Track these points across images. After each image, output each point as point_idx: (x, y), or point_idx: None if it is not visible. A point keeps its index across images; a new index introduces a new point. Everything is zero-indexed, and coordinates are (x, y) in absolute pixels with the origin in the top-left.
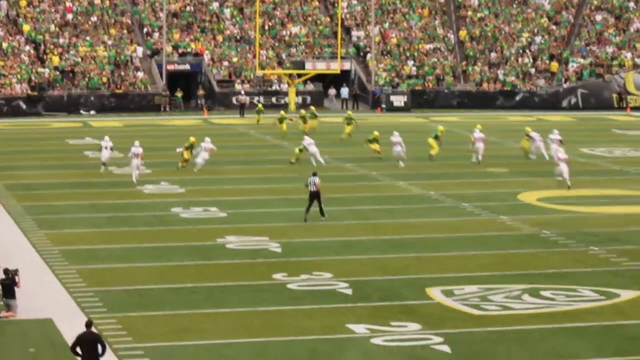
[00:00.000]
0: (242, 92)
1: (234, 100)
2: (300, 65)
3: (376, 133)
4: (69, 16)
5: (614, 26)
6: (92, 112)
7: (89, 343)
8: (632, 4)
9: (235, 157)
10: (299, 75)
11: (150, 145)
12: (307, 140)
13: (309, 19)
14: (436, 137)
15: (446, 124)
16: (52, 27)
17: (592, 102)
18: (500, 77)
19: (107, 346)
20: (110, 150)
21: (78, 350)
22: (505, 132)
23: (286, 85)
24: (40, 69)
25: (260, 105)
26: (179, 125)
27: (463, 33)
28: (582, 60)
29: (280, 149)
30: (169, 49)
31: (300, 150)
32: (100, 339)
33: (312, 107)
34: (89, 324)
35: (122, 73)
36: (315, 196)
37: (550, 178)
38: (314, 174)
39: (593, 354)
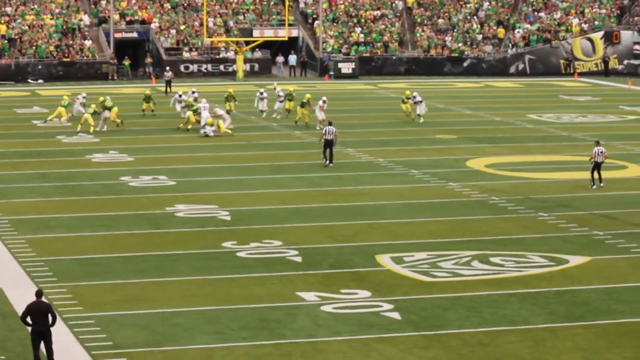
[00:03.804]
0: (167, 68)
1: (163, 75)
2: (248, 32)
3: (308, 95)
4: None
5: None
6: (40, 80)
7: (40, 313)
8: None
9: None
10: (247, 43)
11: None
12: (204, 103)
13: None
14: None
15: (394, 90)
16: None
17: (539, 68)
18: (448, 43)
19: (58, 316)
20: (80, 106)
21: (28, 320)
22: (452, 98)
23: (234, 53)
24: None
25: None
26: (127, 93)
27: None
28: (529, 26)
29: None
30: (116, 17)
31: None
32: (51, 308)
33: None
34: (39, 294)
35: (70, 41)
36: (329, 144)
37: (499, 145)
38: (330, 123)
39: (543, 320)
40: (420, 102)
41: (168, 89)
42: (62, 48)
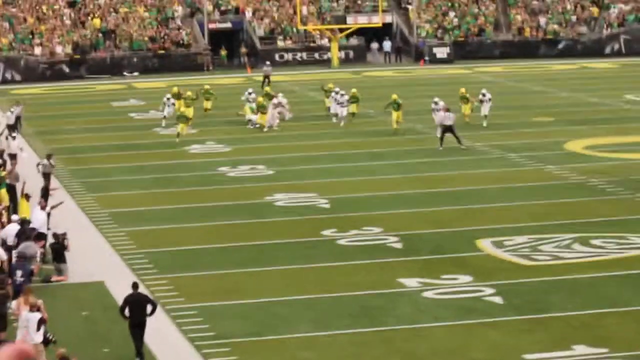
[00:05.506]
0: (268, 63)
1: (262, 70)
2: (342, 19)
3: (394, 96)
4: None
5: None
6: (136, 73)
7: (137, 304)
8: None
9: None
10: (341, 30)
11: (194, 105)
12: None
13: None
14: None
15: (490, 74)
16: None
17: (635, 47)
18: (542, 25)
19: (159, 306)
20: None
21: (126, 312)
22: (549, 80)
23: (328, 41)
24: (82, 32)
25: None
26: (223, 84)
27: None
28: (622, 6)
29: (324, 104)
30: (209, 7)
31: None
32: (149, 299)
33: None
34: (135, 286)
35: (164, 33)
36: (449, 129)
37: (597, 126)
38: (448, 110)
39: None
40: (489, 100)
41: (267, 84)
42: (157, 40)
